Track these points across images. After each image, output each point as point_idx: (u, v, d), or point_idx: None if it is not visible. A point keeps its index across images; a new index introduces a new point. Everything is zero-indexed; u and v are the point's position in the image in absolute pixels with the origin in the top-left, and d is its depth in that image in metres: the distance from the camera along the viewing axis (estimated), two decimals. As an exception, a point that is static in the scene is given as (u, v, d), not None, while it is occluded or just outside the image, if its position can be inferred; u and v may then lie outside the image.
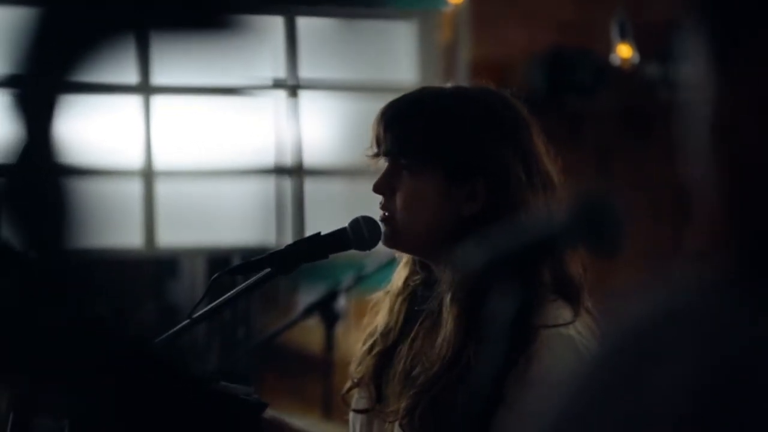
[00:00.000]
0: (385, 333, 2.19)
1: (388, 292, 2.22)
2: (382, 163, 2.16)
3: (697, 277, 0.85)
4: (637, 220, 5.38)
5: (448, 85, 2.20)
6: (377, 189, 2.15)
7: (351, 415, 2.24)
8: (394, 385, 2.13)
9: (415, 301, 2.17)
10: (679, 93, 0.92)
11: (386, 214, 2.13)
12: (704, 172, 0.89)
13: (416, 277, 2.19)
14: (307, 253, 2.17)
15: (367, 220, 2.17)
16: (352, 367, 2.23)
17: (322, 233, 2.18)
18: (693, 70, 0.89)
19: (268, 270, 2.15)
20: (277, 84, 5.53)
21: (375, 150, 2.16)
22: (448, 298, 2.06)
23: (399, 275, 2.21)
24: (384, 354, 2.18)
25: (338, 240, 2.17)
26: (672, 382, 0.79)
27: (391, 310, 2.19)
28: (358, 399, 2.22)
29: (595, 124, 5.54)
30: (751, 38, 0.86)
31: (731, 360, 0.79)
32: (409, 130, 2.12)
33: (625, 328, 0.85)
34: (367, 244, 2.17)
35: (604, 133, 5.54)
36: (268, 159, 5.42)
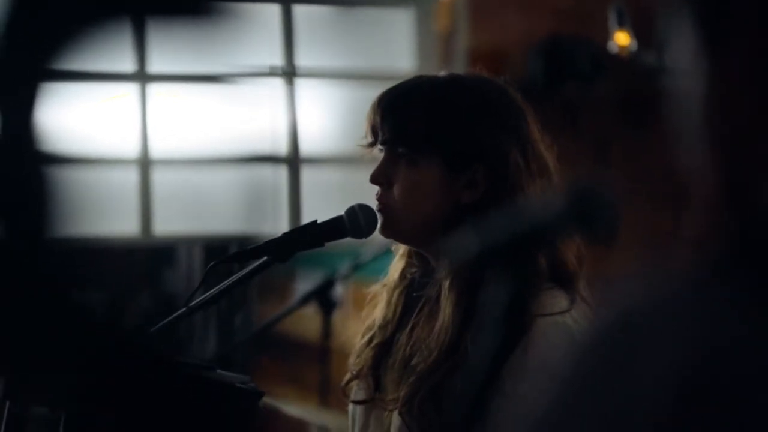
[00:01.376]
0: (383, 325, 2.19)
1: (385, 284, 2.22)
2: (377, 152, 2.16)
3: (690, 267, 0.84)
4: (635, 208, 5.38)
5: (443, 73, 2.20)
6: (375, 180, 2.14)
7: (350, 406, 2.24)
8: (393, 373, 2.13)
9: (413, 292, 2.17)
10: (670, 79, 0.92)
11: (382, 204, 2.13)
12: (698, 159, 0.88)
13: (413, 269, 2.19)
14: (304, 241, 2.17)
15: (364, 209, 2.16)
16: (351, 360, 2.23)
17: (319, 221, 2.18)
18: (682, 56, 0.89)
19: (264, 258, 2.15)
20: (274, 72, 5.53)
21: (371, 139, 2.15)
22: (446, 286, 2.06)
23: (395, 267, 2.21)
24: (382, 345, 2.18)
25: (334, 228, 2.17)
26: (658, 372, 0.79)
27: (388, 302, 2.19)
28: (356, 390, 2.22)
29: (593, 112, 5.53)
30: (739, 20, 0.86)
31: (716, 355, 0.79)
32: (407, 119, 2.11)
33: (615, 317, 0.85)
34: (364, 232, 2.17)
35: (603, 121, 5.54)
36: (265, 147, 5.42)
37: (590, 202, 1.21)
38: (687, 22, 0.88)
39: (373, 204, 2.15)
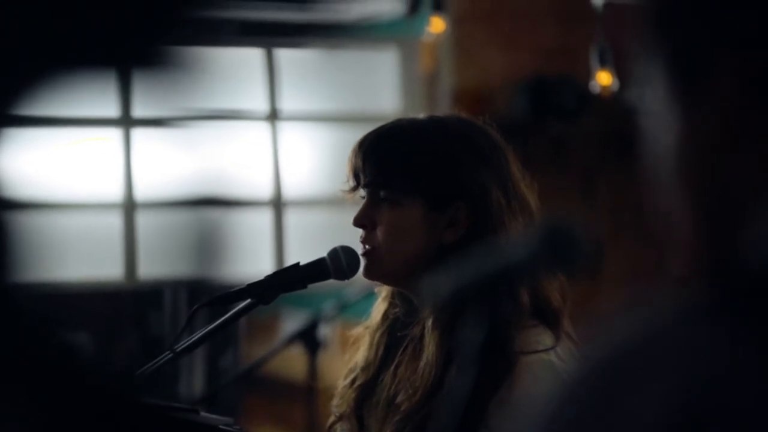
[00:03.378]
0: (366, 367, 2.19)
1: (367, 327, 2.23)
2: (359, 196, 2.17)
3: (675, 303, 0.85)
4: (621, 244, 5.39)
5: (422, 115, 2.22)
6: (358, 223, 2.15)
7: (334, 448, 2.24)
8: (378, 413, 2.13)
9: (396, 333, 2.18)
10: (643, 121, 0.93)
11: (367, 247, 2.14)
12: (673, 200, 0.89)
13: (395, 310, 2.20)
14: (287, 283, 2.18)
15: (346, 250, 2.17)
16: (334, 402, 2.23)
17: (301, 263, 2.20)
18: (654, 99, 0.90)
19: (248, 300, 2.16)
20: (260, 115, 5.54)
21: (353, 183, 2.16)
22: (429, 325, 2.07)
23: (378, 309, 2.22)
24: (365, 386, 2.18)
25: (317, 270, 2.18)
26: (646, 411, 0.79)
27: (371, 344, 2.20)
28: (341, 432, 2.23)
29: (578, 149, 5.55)
30: (711, 64, 0.87)
31: (706, 390, 0.79)
32: (388, 161, 2.13)
33: (602, 355, 0.85)
34: (346, 273, 2.18)
35: (588, 157, 5.56)
36: (249, 189, 5.43)
37: (565, 239, 1.22)
38: (660, 67, 0.90)
39: (357, 246, 2.16)
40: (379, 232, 2.12)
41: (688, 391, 0.79)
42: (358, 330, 2.24)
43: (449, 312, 2.02)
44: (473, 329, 1.32)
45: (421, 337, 2.09)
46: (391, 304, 2.20)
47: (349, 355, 2.24)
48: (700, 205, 0.88)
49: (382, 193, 2.12)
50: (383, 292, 2.22)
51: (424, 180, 2.10)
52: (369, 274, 2.15)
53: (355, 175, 2.15)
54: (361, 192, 2.16)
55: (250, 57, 5.53)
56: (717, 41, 0.86)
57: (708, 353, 0.81)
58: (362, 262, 2.15)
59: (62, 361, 1.40)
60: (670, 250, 0.90)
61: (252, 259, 5.25)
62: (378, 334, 2.19)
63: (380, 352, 2.18)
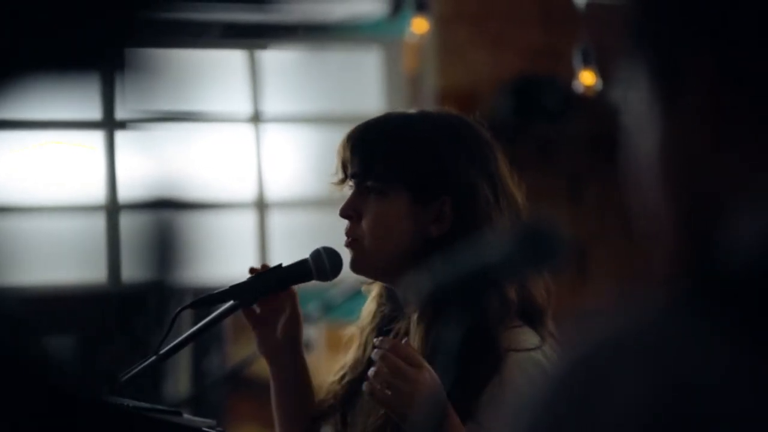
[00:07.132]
0: (354, 365, 2.19)
1: (358, 327, 2.22)
2: (348, 191, 2.17)
3: (656, 303, 0.85)
4: (607, 243, 5.40)
5: (413, 110, 2.23)
6: (344, 213, 2.14)
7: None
8: (363, 404, 2.13)
9: (383, 328, 2.18)
10: (625, 122, 0.93)
11: (351, 239, 2.13)
12: (655, 200, 0.90)
13: (383, 309, 2.20)
14: (269, 284, 2.18)
15: (328, 251, 2.17)
16: (320, 397, 2.24)
17: (284, 265, 2.19)
18: (637, 100, 0.91)
19: (230, 302, 2.16)
20: (243, 117, 5.54)
21: (341, 176, 2.16)
22: (414, 319, 2.07)
23: (367, 309, 2.21)
24: (352, 383, 2.18)
25: (300, 271, 2.18)
26: (622, 411, 0.79)
27: (360, 343, 2.20)
28: (326, 428, 2.23)
29: (564, 149, 5.56)
30: (692, 65, 0.87)
31: (682, 389, 0.79)
32: (375, 152, 2.13)
33: (578, 355, 0.85)
34: (328, 275, 2.17)
35: (574, 157, 5.57)
36: (231, 192, 5.43)
37: (547, 237, 1.22)
38: (642, 68, 0.90)
39: (340, 248, 2.16)
40: (365, 224, 2.12)
41: (663, 390, 0.79)
42: (350, 330, 2.24)
43: (433, 308, 2.02)
44: (456, 325, 1.32)
45: (407, 332, 2.09)
46: (380, 304, 2.20)
47: (342, 355, 2.24)
48: (682, 205, 0.88)
49: (368, 184, 2.12)
50: (372, 291, 2.22)
51: (409, 172, 2.10)
52: (354, 266, 2.14)
53: (344, 167, 2.15)
54: (349, 184, 2.16)
55: (233, 59, 5.53)
56: (698, 42, 0.87)
57: (685, 352, 0.81)
58: (347, 254, 2.14)
59: (40, 365, 1.40)
60: (653, 250, 0.90)
61: (235, 260, 5.24)
62: (367, 333, 2.19)
63: (368, 350, 2.18)
